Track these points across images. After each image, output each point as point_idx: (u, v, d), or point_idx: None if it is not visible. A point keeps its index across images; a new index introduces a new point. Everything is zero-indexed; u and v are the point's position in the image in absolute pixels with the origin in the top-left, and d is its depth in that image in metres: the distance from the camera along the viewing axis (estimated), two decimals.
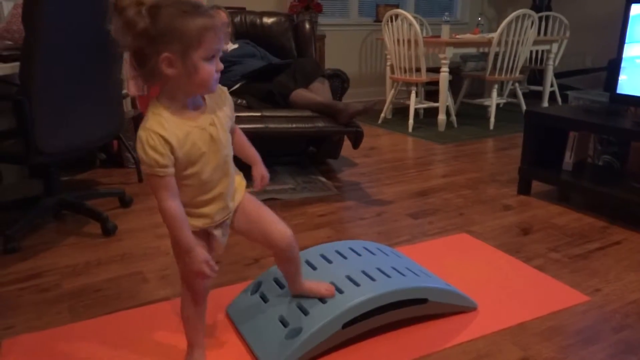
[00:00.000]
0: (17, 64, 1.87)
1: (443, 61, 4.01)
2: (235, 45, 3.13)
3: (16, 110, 1.84)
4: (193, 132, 1.07)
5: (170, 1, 0.97)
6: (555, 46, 4.59)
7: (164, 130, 1.03)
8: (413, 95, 4.19)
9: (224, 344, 1.42)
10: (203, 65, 1.01)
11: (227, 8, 3.34)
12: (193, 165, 1.10)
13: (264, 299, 1.47)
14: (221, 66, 1.05)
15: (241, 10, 4.09)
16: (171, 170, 1.06)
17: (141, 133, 1.03)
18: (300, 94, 2.67)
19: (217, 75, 1.05)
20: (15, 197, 2.50)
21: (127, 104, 3.16)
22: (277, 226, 1.29)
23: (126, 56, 2.57)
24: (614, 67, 2.35)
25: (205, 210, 1.16)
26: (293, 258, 1.34)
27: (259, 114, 2.53)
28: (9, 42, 2.32)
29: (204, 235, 1.20)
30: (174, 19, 0.96)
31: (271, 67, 2.95)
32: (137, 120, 3.11)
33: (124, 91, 3.10)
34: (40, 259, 1.95)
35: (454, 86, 4.65)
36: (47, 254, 1.99)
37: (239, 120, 2.46)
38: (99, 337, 1.46)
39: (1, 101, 2.56)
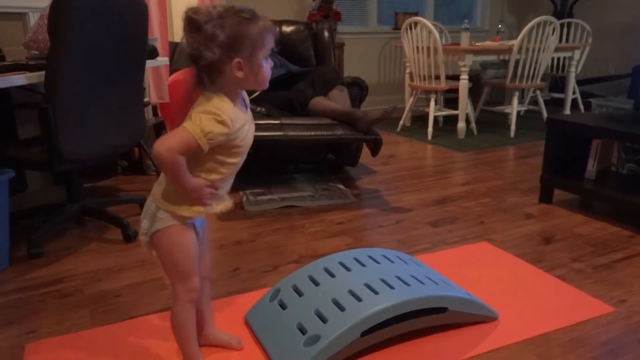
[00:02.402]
0: (42, 73, 1.91)
1: (462, 69, 3.99)
2: None
3: (41, 118, 1.88)
4: (246, 125, 1.17)
5: (231, 11, 1.07)
6: (577, 53, 4.53)
7: (234, 115, 1.11)
8: (432, 102, 4.17)
9: (242, 350, 1.42)
10: (264, 64, 1.12)
11: None
12: (237, 155, 1.17)
13: (283, 306, 1.47)
14: (272, 63, 1.15)
15: None
16: (206, 148, 1.10)
17: (211, 107, 1.09)
18: (318, 101, 2.68)
19: (270, 74, 1.15)
20: (40, 204, 2.55)
21: (148, 112, 3.21)
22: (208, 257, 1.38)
23: (148, 64, 2.61)
24: (638, 74, 2.31)
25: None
26: (208, 290, 1.41)
27: (278, 121, 2.54)
28: (35, 52, 2.37)
29: (193, 228, 1.24)
30: (240, 27, 1.06)
31: (290, 75, 2.96)
32: (158, 128, 3.16)
33: (146, 99, 3.15)
34: (63, 264, 1.98)
35: (474, 94, 4.62)
36: (70, 259, 2.02)
37: (258, 127, 2.48)
38: (119, 342, 1.47)
39: (27, 109, 2.62)
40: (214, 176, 1.18)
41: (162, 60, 2.96)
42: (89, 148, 2.05)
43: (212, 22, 1.04)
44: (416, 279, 1.47)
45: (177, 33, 4.83)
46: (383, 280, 1.43)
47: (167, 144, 1.09)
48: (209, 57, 1.05)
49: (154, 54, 2.76)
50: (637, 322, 1.54)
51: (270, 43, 1.11)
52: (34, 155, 2.05)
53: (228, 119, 1.09)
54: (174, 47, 4.35)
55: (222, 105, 1.10)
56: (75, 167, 2.14)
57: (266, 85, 1.16)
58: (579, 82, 4.85)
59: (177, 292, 1.23)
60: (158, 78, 3.40)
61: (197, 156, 1.13)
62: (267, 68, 1.13)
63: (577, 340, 1.46)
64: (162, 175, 1.20)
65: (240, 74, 1.10)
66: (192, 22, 1.05)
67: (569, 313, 1.59)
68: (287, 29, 3.43)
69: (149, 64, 2.69)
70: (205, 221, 1.34)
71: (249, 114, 1.21)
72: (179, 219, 1.18)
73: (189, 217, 1.19)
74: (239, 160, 1.20)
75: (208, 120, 1.08)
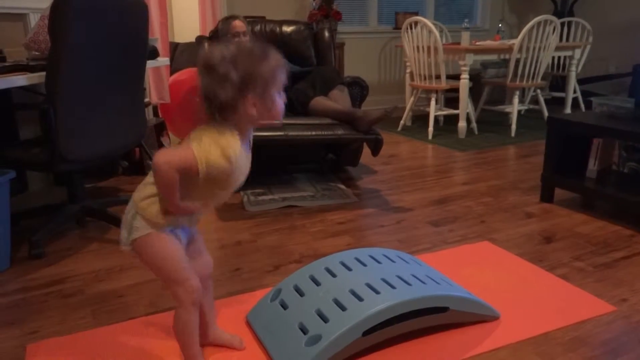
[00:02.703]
0: (43, 73, 1.92)
1: (463, 68, 3.99)
2: None
3: (42, 118, 1.88)
4: (244, 161, 1.18)
5: (244, 51, 1.10)
6: (577, 52, 4.52)
7: (238, 154, 1.13)
8: (433, 102, 4.17)
9: (244, 351, 1.42)
10: (277, 98, 1.15)
11: (246, 17, 3.38)
12: (226, 188, 1.19)
13: (284, 306, 1.47)
14: (284, 97, 1.17)
15: (261, 19, 4.14)
16: (203, 176, 1.12)
17: (223, 142, 1.10)
18: (319, 101, 2.68)
19: (283, 107, 1.18)
20: (40, 204, 2.55)
21: (148, 112, 3.21)
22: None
23: (149, 64, 2.61)
24: (638, 73, 2.31)
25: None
26: (210, 288, 1.41)
27: (277, 121, 2.54)
28: (36, 53, 2.37)
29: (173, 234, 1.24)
30: (252, 66, 1.09)
31: (291, 75, 2.96)
32: (159, 128, 3.16)
33: (146, 99, 3.16)
34: (64, 264, 1.98)
35: (475, 93, 4.62)
36: (71, 259, 2.03)
37: (259, 128, 2.49)
38: (121, 342, 1.47)
39: (28, 110, 2.63)
40: (197, 202, 1.20)
41: (163, 60, 2.96)
42: (90, 148, 2.05)
43: (225, 63, 1.07)
44: (417, 278, 1.47)
45: (178, 33, 4.83)
46: (384, 280, 1.43)
47: (168, 157, 1.10)
48: (222, 96, 1.08)
49: (154, 54, 2.76)
50: (638, 321, 1.54)
51: (282, 79, 1.14)
52: (34, 155, 2.05)
53: (234, 157, 1.11)
54: (174, 48, 4.36)
55: (233, 142, 1.12)
56: (76, 168, 2.14)
57: (280, 119, 1.18)
58: (580, 81, 4.85)
59: (177, 295, 1.22)
60: (158, 78, 3.41)
61: (189, 179, 1.13)
62: (280, 102, 1.15)
63: (578, 339, 1.46)
64: (144, 181, 1.21)
65: (253, 111, 1.12)
66: (206, 63, 1.08)
67: (570, 312, 1.59)
68: (287, 28, 3.43)
69: (150, 64, 2.69)
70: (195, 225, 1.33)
71: (249, 155, 1.23)
72: (156, 227, 1.18)
73: (167, 225, 1.19)
74: (225, 192, 1.22)
75: (216, 152, 1.10)
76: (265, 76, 1.10)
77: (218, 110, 1.11)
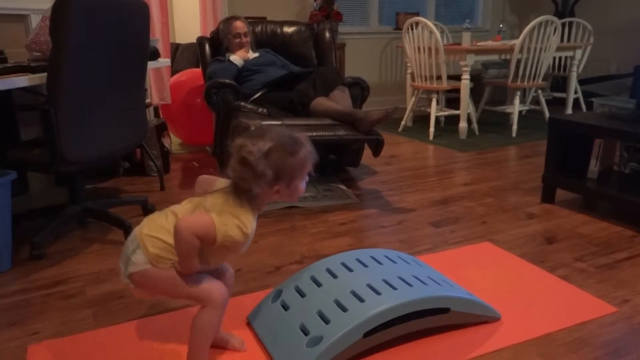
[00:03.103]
0: (44, 74, 1.92)
1: (464, 68, 3.99)
2: (256, 54, 3.16)
3: (43, 119, 1.88)
4: (251, 237, 1.24)
5: (278, 147, 1.18)
6: (578, 52, 4.52)
7: (251, 232, 1.21)
8: (434, 102, 4.17)
9: (245, 352, 1.42)
10: (300, 184, 1.24)
11: (247, 18, 3.39)
12: (232, 254, 1.26)
13: (285, 307, 1.47)
14: (307, 178, 1.26)
15: (262, 19, 4.14)
16: (218, 244, 1.19)
17: (243, 219, 1.18)
18: (320, 102, 2.68)
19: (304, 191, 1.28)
20: (41, 205, 2.55)
21: (149, 113, 3.21)
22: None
23: (150, 65, 2.61)
24: None
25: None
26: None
27: (279, 122, 2.54)
28: (37, 54, 2.37)
29: None
30: (284, 161, 1.18)
31: (292, 76, 2.96)
32: (160, 129, 3.16)
33: (147, 100, 3.16)
34: (65, 265, 1.98)
35: (476, 93, 4.62)
36: (72, 260, 2.03)
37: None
38: (122, 343, 1.47)
39: (29, 111, 2.63)
40: (205, 265, 1.25)
41: (164, 61, 2.97)
42: (91, 149, 2.05)
43: (262, 161, 1.15)
44: (418, 279, 1.47)
45: (179, 34, 4.84)
46: (385, 281, 1.43)
47: (191, 224, 1.16)
48: (256, 191, 1.17)
49: (155, 55, 2.77)
50: None
51: (309, 168, 1.23)
52: (35, 156, 2.06)
53: (250, 234, 1.20)
54: (175, 48, 4.36)
55: (250, 221, 1.20)
56: (77, 169, 2.14)
57: (297, 200, 1.31)
58: (581, 82, 4.85)
59: (204, 300, 1.24)
60: (159, 79, 3.41)
61: (203, 244, 1.19)
62: (302, 187, 1.24)
63: (580, 341, 1.45)
64: (154, 219, 1.24)
65: (276, 197, 1.23)
66: (244, 160, 1.15)
67: (572, 313, 1.59)
68: (288, 29, 3.43)
69: (151, 65, 2.70)
70: None
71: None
72: (155, 263, 1.20)
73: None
74: (233, 256, 1.29)
75: (235, 228, 1.17)
76: (294, 168, 1.20)
77: (246, 197, 1.20)
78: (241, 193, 1.20)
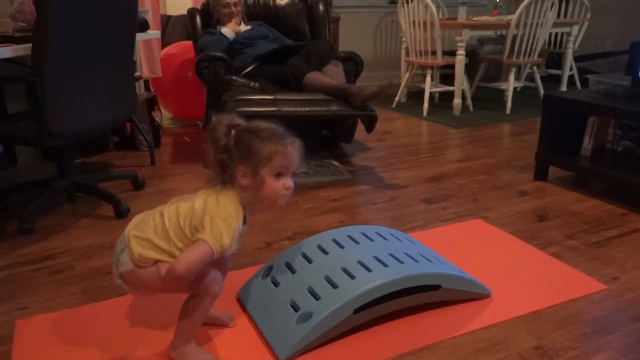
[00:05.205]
0: (29, 45, 1.86)
1: (459, 44, 3.94)
2: (248, 27, 3.10)
3: (29, 92, 1.84)
4: (241, 236, 1.22)
5: (254, 129, 1.19)
6: (575, 29, 4.48)
7: (240, 229, 1.19)
8: (428, 78, 4.13)
9: (235, 327, 1.42)
10: (270, 180, 1.18)
11: None
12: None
13: (275, 283, 1.46)
14: (290, 184, 1.21)
15: None
16: (216, 257, 1.17)
17: (233, 222, 1.16)
18: (313, 76, 2.64)
19: (284, 192, 1.21)
20: (29, 179, 2.52)
21: (139, 87, 3.15)
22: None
23: (139, 37, 2.55)
24: (636, 50, 2.28)
25: None
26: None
27: (271, 97, 2.51)
28: (22, 24, 2.31)
29: None
30: (251, 141, 1.17)
31: (285, 49, 2.91)
32: (150, 102, 3.11)
33: (137, 73, 3.10)
34: (54, 240, 1.96)
35: (470, 69, 4.57)
36: (61, 235, 2.01)
37: (251, 103, 2.45)
38: (111, 318, 1.46)
39: (14, 83, 2.57)
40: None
41: (153, 33, 2.90)
42: (79, 123, 2.01)
43: (223, 129, 1.18)
44: (409, 256, 1.47)
45: (169, 5, 4.73)
46: (376, 258, 1.42)
47: (188, 262, 1.13)
48: (211, 155, 1.19)
49: (144, 26, 2.71)
50: (628, 300, 1.55)
51: (279, 164, 1.18)
52: (22, 130, 2.02)
53: (238, 229, 1.18)
54: (166, 20, 4.27)
55: (238, 213, 1.18)
56: (64, 143, 2.10)
57: (275, 206, 1.22)
58: (577, 58, 4.81)
59: (200, 291, 1.21)
60: (150, 52, 3.34)
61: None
62: (273, 186, 1.19)
63: (569, 317, 1.46)
64: (144, 221, 1.22)
65: (244, 181, 1.19)
66: (212, 131, 1.18)
67: (562, 290, 1.59)
68: (281, 2, 3.36)
69: (140, 37, 2.64)
70: None
71: (246, 228, 1.27)
72: (138, 263, 1.19)
73: None
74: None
75: (227, 233, 1.15)
76: (259, 154, 1.16)
77: (217, 169, 1.20)
78: (220, 171, 1.20)
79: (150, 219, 1.22)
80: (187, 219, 1.17)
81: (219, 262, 1.33)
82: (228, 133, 1.18)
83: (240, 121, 1.21)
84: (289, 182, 1.21)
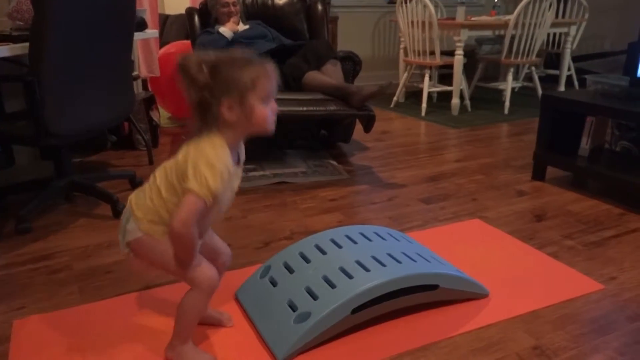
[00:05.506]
0: (27, 44, 1.86)
1: (457, 44, 3.94)
2: (247, 26, 3.10)
3: (26, 91, 1.83)
4: (232, 179, 1.18)
5: (227, 59, 1.12)
6: (573, 29, 4.48)
7: (230, 168, 1.13)
8: (426, 78, 4.13)
9: (233, 327, 1.42)
10: (259, 106, 1.13)
11: None
12: (213, 205, 1.15)
13: (273, 282, 1.46)
14: (275, 106, 1.17)
15: None
16: (212, 204, 1.12)
17: (215, 157, 1.10)
18: (312, 76, 2.64)
19: (272, 117, 1.17)
20: (27, 179, 2.51)
21: (137, 86, 3.15)
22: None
23: (137, 36, 2.55)
24: (634, 50, 2.28)
25: None
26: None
27: None
28: (20, 23, 2.30)
29: None
30: (230, 72, 1.11)
31: (283, 49, 2.91)
32: (148, 102, 3.10)
33: (135, 73, 3.09)
34: (51, 240, 1.96)
35: (469, 69, 4.57)
36: (58, 235, 2.00)
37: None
38: (108, 318, 1.46)
39: (12, 82, 2.57)
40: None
41: (152, 32, 2.90)
42: (76, 122, 2.01)
43: (196, 66, 1.10)
44: (407, 256, 1.47)
45: (168, 5, 4.72)
46: (374, 258, 1.42)
47: (183, 217, 1.10)
48: (190, 97, 1.12)
49: (142, 26, 2.70)
50: (626, 299, 1.55)
51: (265, 86, 1.13)
52: (20, 129, 2.01)
53: (226, 171, 1.11)
54: (164, 20, 4.27)
55: (221, 153, 1.12)
56: (62, 142, 2.10)
57: (268, 129, 1.17)
58: (574, 59, 4.81)
59: (192, 280, 1.21)
60: (148, 51, 3.33)
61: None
62: (263, 111, 1.14)
63: (566, 317, 1.47)
64: (144, 190, 1.20)
65: (230, 116, 1.12)
66: (180, 64, 1.11)
67: (559, 290, 1.60)
68: (279, 1, 3.35)
69: (138, 36, 2.63)
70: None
71: (239, 170, 1.22)
72: (148, 232, 1.18)
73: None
74: (209, 216, 1.22)
75: (213, 176, 1.09)
76: (243, 81, 1.10)
77: (198, 112, 1.13)
78: (200, 121, 1.14)
79: (147, 185, 1.21)
80: (174, 173, 1.15)
81: (214, 255, 1.33)
82: (201, 70, 1.11)
83: (207, 56, 1.13)
84: (274, 104, 1.18)
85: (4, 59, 2.04)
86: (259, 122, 1.14)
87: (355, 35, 5.28)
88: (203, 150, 1.11)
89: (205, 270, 1.21)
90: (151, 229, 1.17)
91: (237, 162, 1.21)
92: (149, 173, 1.30)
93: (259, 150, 3.02)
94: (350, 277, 1.35)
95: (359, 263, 1.40)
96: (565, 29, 4.45)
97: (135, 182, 2.46)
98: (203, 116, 1.13)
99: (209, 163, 1.09)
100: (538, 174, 2.60)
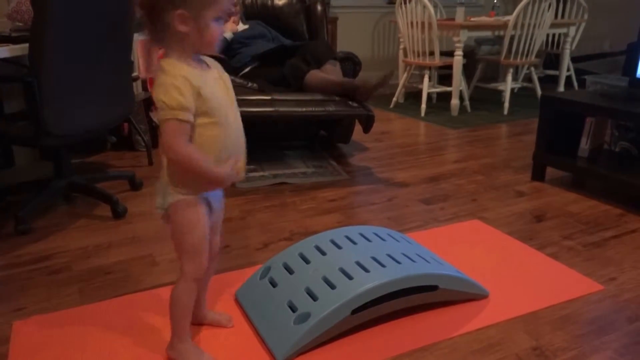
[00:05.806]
0: (26, 45, 1.86)
1: (457, 44, 3.94)
2: (246, 26, 3.10)
3: (26, 92, 1.83)
4: (209, 81, 1.12)
5: None
6: (572, 29, 4.48)
7: (187, 73, 1.08)
8: (426, 79, 4.13)
9: (232, 328, 1.42)
10: (213, 24, 1.09)
11: None
12: (214, 115, 1.12)
13: (273, 283, 1.46)
14: (222, 29, 1.13)
15: None
16: (191, 116, 1.09)
17: (163, 77, 1.07)
18: (315, 74, 2.63)
19: (220, 37, 1.13)
20: (27, 180, 2.51)
21: (137, 87, 3.15)
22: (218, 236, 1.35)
23: (137, 37, 2.55)
24: (633, 51, 2.28)
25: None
26: (212, 269, 1.38)
27: (268, 97, 2.50)
28: (19, 24, 2.31)
29: (205, 202, 1.21)
30: None
31: (283, 49, 2.91)
32: (148, 103, 3.10)
33: (135, 73, 3.09)
34: (51, 241, 1.96)
35: (468, 70, 4.58)
36: (58, 236, 2.00)
37: (248, 103, 2.45)
38: (108, 319, 1.46)
39: (11, 83, 2.57)
40: (212, 150, 1.14)
41: None
42: (76, 123, 2.00)
43: None
44: (407, 257, 1.47)
45: None
46: (374, 258, 1.42)
47: (164, 144, 1.09)
48: (162, 15, 1.06)
49: (142, 26, 2.69)
50: (626, 300, 1.55)
51: (223, 4, 1.09)
52: (19, 130, 2.01)
53: (180, 79, 1.06)
54: None
55: (168, 68, 1.07)
56: (62, 143, 2.10)
57: (214, 49, 1.13)
58: (574, 59, 4.82)
59: (184, 269, 1.21)
60: (147, 52, 3.33)
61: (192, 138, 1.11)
62: (216, 30, 1.10)
63: (566, 318, 1.47)
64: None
65: (183, 28, 1.06)
66: None
67: (559, 291, 1.60)
68: (279, 2, 3.35)
69: (137, 37, 2.63)
70: (223, 196, 1.31)
71: (215, 72, 1.17)
72: (190, 193, 1.17)
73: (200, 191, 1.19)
74: (221, 120, 1.13)
75: (166, 95, 1.05)
76: None
77: (149, 20, 1.08)
78: (155, 29, 1.09)
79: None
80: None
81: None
82: None
83: None
84: (224, 25, 1.15)
85: (4, 59, 2.04)
86: (208, 39, 1.10)
87: (355, 36, 5.28)
88: (157, 77, 1.09)
89: (199, 261, 1.21)
90: (179, 184, 1.17)
91: (207, 65, 1.16)
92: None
93: (259, 151, 3.02)
94: (350, 277, 1.35)
95: (358, 264, 1.40)
96: (564, 30, 4.45)
97: (134, 183, 2.46)
98: (152, 24, 1.09)
99: (162, 83, 1.07)
100: (537, 175, 2.60)
